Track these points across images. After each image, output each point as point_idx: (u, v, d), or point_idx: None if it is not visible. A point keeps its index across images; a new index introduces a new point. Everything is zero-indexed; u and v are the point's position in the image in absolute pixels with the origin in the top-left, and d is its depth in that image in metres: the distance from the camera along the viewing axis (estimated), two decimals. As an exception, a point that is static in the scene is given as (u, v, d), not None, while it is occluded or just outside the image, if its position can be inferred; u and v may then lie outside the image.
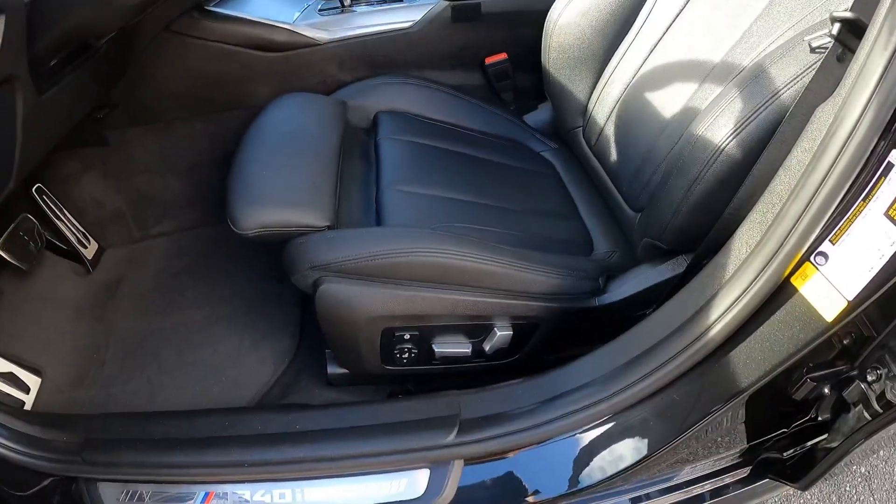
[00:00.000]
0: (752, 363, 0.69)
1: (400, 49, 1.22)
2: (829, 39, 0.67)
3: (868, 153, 0.58)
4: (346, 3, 1.24)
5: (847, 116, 0.58)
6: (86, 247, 1.24)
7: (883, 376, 0.69)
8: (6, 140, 0.73)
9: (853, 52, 0.61)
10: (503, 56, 1.25)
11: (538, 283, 0.84)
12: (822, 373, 0.72)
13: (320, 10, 1.24)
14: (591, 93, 1.11)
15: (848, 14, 0.62)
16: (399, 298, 0.82)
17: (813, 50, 0.71)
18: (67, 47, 0.83)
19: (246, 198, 0.85)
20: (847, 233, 0.63)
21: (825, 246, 0.64)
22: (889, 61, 0.55)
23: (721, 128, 0.75)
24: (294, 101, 1.08)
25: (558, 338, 0.92)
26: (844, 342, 0.73)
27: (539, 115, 1.31)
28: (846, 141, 0.58)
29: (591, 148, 1.11)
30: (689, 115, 0.89)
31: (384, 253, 0.79)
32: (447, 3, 1.19)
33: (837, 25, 0.64)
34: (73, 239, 1.19)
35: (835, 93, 0.62)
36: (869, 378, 0.70)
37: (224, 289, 1.17)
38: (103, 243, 1.27)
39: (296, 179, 0.90)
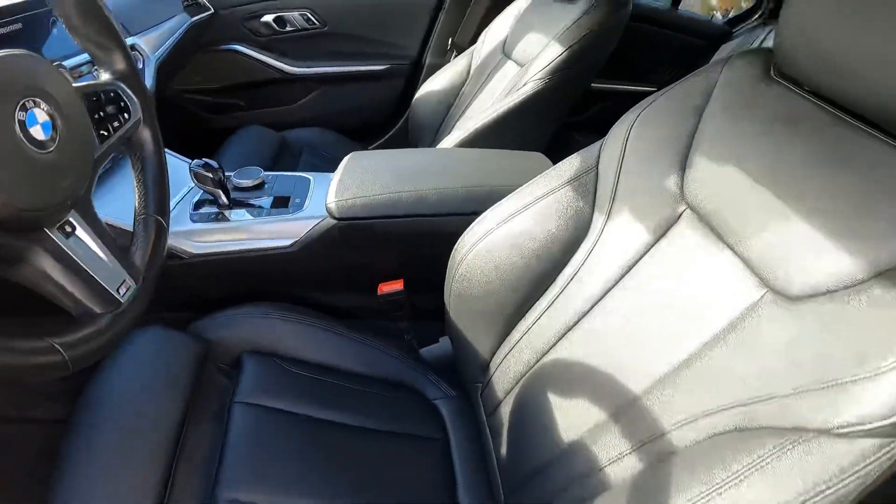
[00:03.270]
0: None
1: (280, 268, 1.04)
2: None
3: None
4: (221, 203, 1.06)
5: None
6: None
7: None
8: None
9: None
10: (399, 285, 1.04)
11: None
12: None
13: (193, 216, 1.06)
14: (493, 356, 0.94)
15: None
16: None
17: None
18: None
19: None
20: None
21: None
22: None
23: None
24: (145, 346, 0.90)
25: None
26: None
27: (441, 349, 1.13)
28: None
29: (487, 418, 0.95)
30: (587, 462, 0.73)
31: None
32: (335, 221, 1.03)
33: None
34: None
35: None
36: None
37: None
38: None
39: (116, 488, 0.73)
